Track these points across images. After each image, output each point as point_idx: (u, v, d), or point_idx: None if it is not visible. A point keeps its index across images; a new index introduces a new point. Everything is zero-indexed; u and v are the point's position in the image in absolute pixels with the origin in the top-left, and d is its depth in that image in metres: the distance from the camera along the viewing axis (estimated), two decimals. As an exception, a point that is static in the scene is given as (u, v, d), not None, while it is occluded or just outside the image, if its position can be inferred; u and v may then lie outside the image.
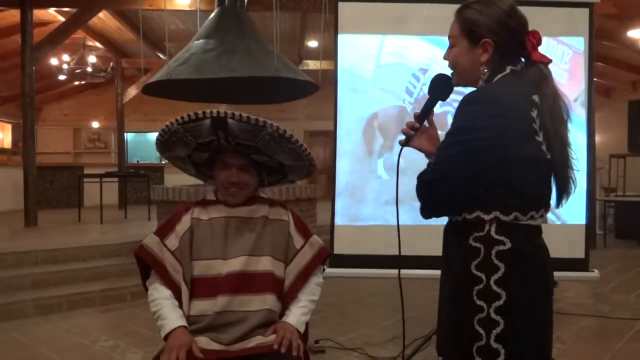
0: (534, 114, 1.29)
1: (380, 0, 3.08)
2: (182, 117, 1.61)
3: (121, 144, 10.57)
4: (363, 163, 2.91)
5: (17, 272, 4.28)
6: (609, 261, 5.98)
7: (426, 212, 1.37)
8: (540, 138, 1.29)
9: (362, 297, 4.45)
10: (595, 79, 9.02)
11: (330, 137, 9.84)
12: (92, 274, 4.50)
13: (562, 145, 1.32)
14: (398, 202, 1.52)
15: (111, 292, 4.28)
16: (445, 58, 1.45)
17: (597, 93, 9.75)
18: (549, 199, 1.35)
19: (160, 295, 1.65)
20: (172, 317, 1.60)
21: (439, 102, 1.48)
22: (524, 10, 3.09)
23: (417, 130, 1.47)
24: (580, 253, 2.97)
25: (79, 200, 8.01)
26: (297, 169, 1.80)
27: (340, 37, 3.01)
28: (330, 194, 3.58)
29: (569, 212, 3.01)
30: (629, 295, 4.39)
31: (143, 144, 13.84)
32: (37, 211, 6.85)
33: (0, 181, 9.11)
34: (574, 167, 1.36)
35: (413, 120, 1.47)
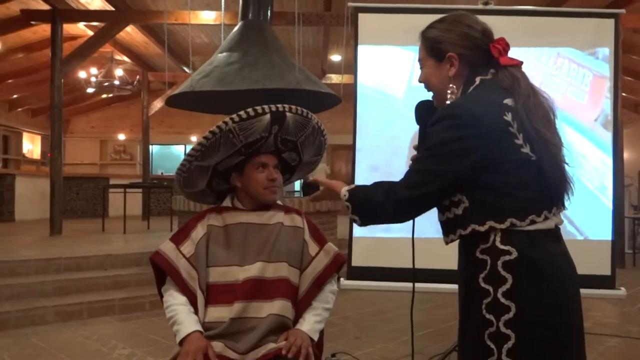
0: (509, 117, 1.26)
1: (402, 12, 3.07)
2: (239, 115, 1.62)
3: (146, 155, 10.73)
4: (387, 178, 2.90)
5: (40, 278, 4.34)
6: (638, 280, 5.79)
7: (372, 222, 1.47)
8: (520, 140, 1.26)
9: (381, 311, 4.39)
10: (623, 94, 8.88)
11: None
12: (112, 282, 4.54)
13: (545, 143, 1.27)
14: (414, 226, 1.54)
15: (131, 300, 4.31)
16: (419, 81, 1.47)
17: (625, 108, 9.56)
18: (550, 199, 1.30)
19: (175, 301, 1.65)
20: (187, 322, 1.59)
21: None
22: (549, 20, 3.06)
23: None
24: (606, 270, 2.88)
25: (103, 210, 8.14)
26: (307, 165, 1.91)
27: (361, 48, 3.01)
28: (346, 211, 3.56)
29: (595, 229, 2.93)
30: (658, 316, 4.24)
31: (167, 156, 14.05)
32: (62, 220, 6.98)
33: (28, 191, 9.32)
34: (567, 163, 1.32)
35: (415, 152, 1.47)
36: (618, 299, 4.80)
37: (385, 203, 1.34)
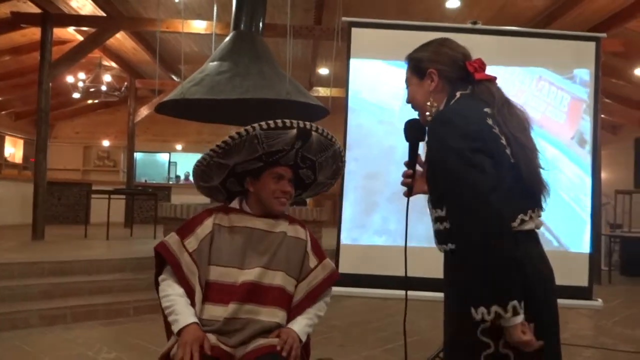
0: (490, 122, 1.39)
1: (395, 28, 3.16)
2: (268, 124, 1.69)
3: (130, 162, 10.67)
4: (385, 186, 2.98)
5: (23, 282, 4.31)
6: (614, 296, 5.94)
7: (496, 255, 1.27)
8: (504, 141, 1.38)
9: (366, 321, 4.45)
10: (602, 116, 9.13)
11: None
12: (96, 288, 4.53)
13: (521, 147, 1.39)
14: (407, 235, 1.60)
15: (115, 306, 4.30)
16: (407, 102, 1.60)
17: (604, 130, 9.82)
18: (530, 201, 1.41)
19: (173, 292, 1.69)
20: (186, 313, 1.63)
21: (421, 144, 1.59)
22: (530, 41, 3.19)
23: (413, 177, 1.60)
24: (583, 282, 2.98)
25: (86, 215, 8.07)
26: (319, 186, 1.96)
27: (353, 61, 3.09)
28: (332, 221, 3.60)
29: (572, 240, 3.04)
30: (633, 330, 4.36)
31: (152, 163, 13.98)
32: (44, 225, 6.91)
33: (9, 195, 9.21)
34: (542, 167, 1.44)
35: (405, 168, 1.60)
36: (595, 312, 4.94)
37: (487, 234, 1.26)
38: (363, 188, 3.07)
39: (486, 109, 1.40)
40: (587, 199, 3.09)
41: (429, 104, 1.51)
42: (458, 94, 1.47)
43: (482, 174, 1.29)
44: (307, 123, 1.72)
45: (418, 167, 1.61)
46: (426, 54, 1.54)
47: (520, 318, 1.25)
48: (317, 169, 1.87)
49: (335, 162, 1.88)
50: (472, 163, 1.30)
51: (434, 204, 1.46)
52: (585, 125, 3.05)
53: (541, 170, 1.43)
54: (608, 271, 7.37)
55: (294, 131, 1.70)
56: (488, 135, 1.36)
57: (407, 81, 1.59)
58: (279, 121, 1.69)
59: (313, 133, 1.73)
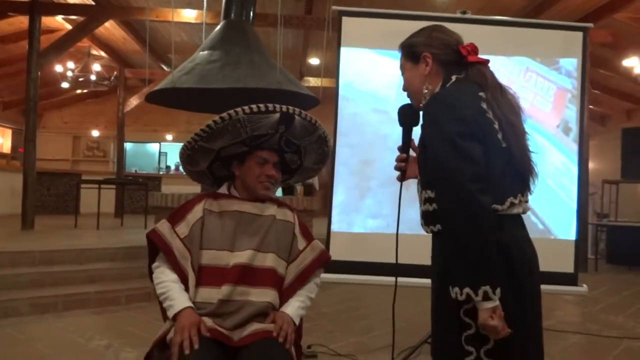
0: (485, 105, 1.41)
1: (386, 17, 3.18)
2: (250, 108, 1.70)
3: (120, 152, 10.63)
4: (379, 171, 3.01)
5: (13, 271, 4.31)
6: (599, 284, 6.04)
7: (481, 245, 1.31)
8: (497, 126, 1.41)
9: (355, 308, 4.51)
10: (590, 107, 9.22)
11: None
12: (87, 277, 4.53)
13: (514, 130, 1.43)
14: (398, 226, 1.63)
15: (106, 294, 4.31)
16: (403, 89, 1.62)
17: (592, 120, 9.92)
18: (520, 184, 1.45)
19: (167, 278, 1.71)
20: (180, 298, 1.66)
21: (414, 129, 1.63)
22: (519, 31, 3.23)
23: (406, 161, 1.63)
24: (569, 268, 3.04)
25: (76, 205, 8.04)
26: (306, 171, 1.98)
27: (343, 50, 3.11)
28: (323, 211, 3.65)
29: (558, 227, 3.09)
30: (617, 316, 4.45)
31: (142, 154, 13.93)
32: (34, 215, 6.88)
33: (-3, 185, 9.15)
34: (532, 150, 1.48)
35: (399, 153, 1.63)
36: (581, 299, 5.03)
37: (466, 218, 1.29)
38: (356, 174, 3.10)
39: (480, 93, 1.43)
40: (573, 186, 3.14)
41: (425, 88, 1.53)
42: (453, 78, 1.49)
43: (468, 161, 1.31)
44: (290, 107, 1.73)
45: (411, 152, 1.65)
46: (419, 39, 1.56)
47: (491, 304, 1.28)
48: (302, 153, 1.89)
49: (320, 146, 1.88)
50: (460, 148, 1.32)
51: (424, 185, 1.48)
52: (570, 114, 3.11)
53: (531, 155, 1.47)
54: (594, 260, 7.49)
55: (277, 115, 1.72)
56: (481, 119, 1.39)
57: (402, 68, 1.61)
58: (261, 105, 1.70)
59: (296, 117, 1.74)
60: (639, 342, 3.63)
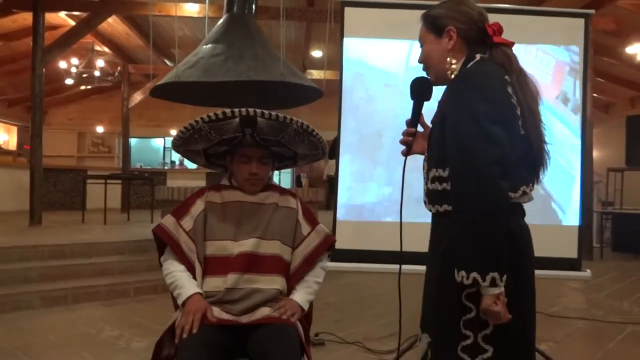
0: (510, 89, 1.38)
1: (389, 7, 3.18)
2: (209, 116, 1.70)
3: (126, 148, 10.68)
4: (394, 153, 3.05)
5: (23, 265, 4.37)
6: (605, 271, 6.06)
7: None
8: (519, 112, 1.38)
9: (361, 297, 4.55)
10: (594, 95, 9.19)
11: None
12: (96, 270, 4.59)
13: (534, 119, 1.41)
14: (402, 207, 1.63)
15: (115, 287, 4.37)
16: (419, 61, 1.56)
17: (595, 109, 9.88)
18: (532, 173, 1.45)
19: (175, 268, 1.75)
20: (188, 285, 1.70)
21: (425, 103, 1.59)
22: (521, 19, 3.23)
23: (414, 135, 1.59)
24: (573, 253, 3.06)
25: (83, 201, 8.10)
26: (309, 155, 1.94)
27: (346, 40, 3.13)
28: (326, 205, 3.65)
29: (564, 214, 3.11)
30: (622, 302, 4.48)
31: (147, 149, 13.99)
32: (42, 211, 6.94)
33: (4, 182, 9.21)
34: (547, 141, 1.45)
35: (407, 128, 1.59)
36: (586, 286, 5.06)
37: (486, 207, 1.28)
38: (362, 154, 3.13)
39: (506, 76, 1.39)
40: (573, 154, 3.15)
41: (449, 62, 1.47)
42: (478, 57, 1.44)
43: (492, 145, 1.29)
44: (251, 110, 1.68)
45: (420, 128, 1.61)
46: (444, 11, 1.49)
47: (496, 290, 1.28)
48: (287, 146, 1.84)
49: (303, 138, 1.80)
50: (486, 130, 1.30)
51: (436, 163, 1.43)
52: (568, 85, 3.13)
53: (546, 145, 1.45)
54: (600, 248, 7.50)
55: (237, 120, 1.70)
56: (507, 103, 1.36)
57: (422, 39, 1.54)
58: (219, 112, 1.68)
59: (258, 118, 1.69)
60: (643, 326, 3.67)
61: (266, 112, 1.69)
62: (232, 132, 1.75)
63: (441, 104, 1.47)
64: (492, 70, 1.40)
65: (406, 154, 1.60)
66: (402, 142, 1.60)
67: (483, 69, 1.41)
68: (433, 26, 1.50)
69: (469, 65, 1.44)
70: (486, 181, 1.27)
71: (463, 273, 1.30)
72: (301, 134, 1.78)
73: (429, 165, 1.48)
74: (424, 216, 1.63)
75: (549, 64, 3.09)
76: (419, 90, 1.57)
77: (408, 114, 1.61)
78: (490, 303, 1.29)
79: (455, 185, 1.34)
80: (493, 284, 1.27)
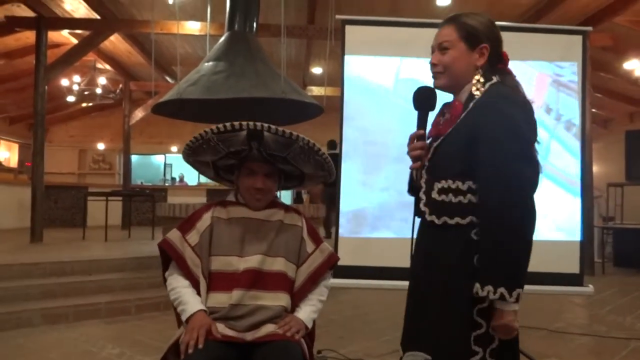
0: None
1: (389, 25, 3.23)
2: (218, 127, 1.72)
3: (127, 164, 10.71)
4: (378, 172, 3.05)
5: (24, 282, 4.36)
6: (607, 286, 6.04)
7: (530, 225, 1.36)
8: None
9: (364, 314, 4.53)
10: (593, 110, 9.24)
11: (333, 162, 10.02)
12: (97, 287, 4.57)
13: (538, 143, 1.47)
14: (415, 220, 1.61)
15: (116, 304, 4.35)
16: (434, 62, 1.54)
17: (595, 124, 9.94)
18: None
19: (179, 284, 1.75)
20: (193, 302, 1.70)
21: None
22: (518, 36, 3.28)
23: (423, 148, 1.55)
24: (575, 269, 3.06)
25: (83, 218, 8.10)
26: (315, 177, 1.95)
27: (347, 58, 3.16)
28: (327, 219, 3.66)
29: (566, 230, 3.12)
30: (625, 317, 4.45)
31: (147, 165, 14.02)
32: (43, 228, 6.94)
33: (5, 199, 9.22)
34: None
35: (415, 140, 1.55)
36: (589, 302, 5.04)
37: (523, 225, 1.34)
38: (363, 168, 3.14)
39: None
40: (559, 160, 3.18)
41: (477, 79, 1.48)
42: (494, 79, 1.48)
43: (531, 165, 1.36)
44: (258, 123, 1.69)
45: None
46: (481, 27, 1.50)
47: (518, 306, 1.32)
48: (293, 164, 1.84)
49: (308, 157, 1.80)
50: (529, 152, 1.37)
51: (451, 175, 1.44)
52: (551, 96, 3.18)
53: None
54: (601, 263, 7.48)
55: (244, 132, 1.72)
56: (535, 127, 1.46)
57: (449, 43, 1.50)
58: (227, 124, 1.70)
59: (265, 133, 1.71)
60: (647, 342, 3.65)
61: (273, 127, 1.70)
62: (239, 144, 1.76)
63: (455, 117, 1.48)
64: (524, 97, 1.48)
65: (420, 167, 1.55)
66: (414, 155, 1.54)
67: (513, 91, 1.47)
68: (468, 37, 1.50)
69: (489, 85, 1.47)
70: (523, 201, 1.33)
71: (490, 288, 1.31)
72: (307, 152, 1.78)
73: (433, 176, 1.49)
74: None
75: (531, 76, 3.15)
76: (425, 100, 1.56)
77: (410, 129, 1.59)
78: (512, 319, 1.33)
79: (489, 201, 1.35)
80: (517, 299, 1.31)
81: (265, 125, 1.70)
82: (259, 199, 1.84)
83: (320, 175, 1.93)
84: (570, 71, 3.20)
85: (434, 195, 1.47)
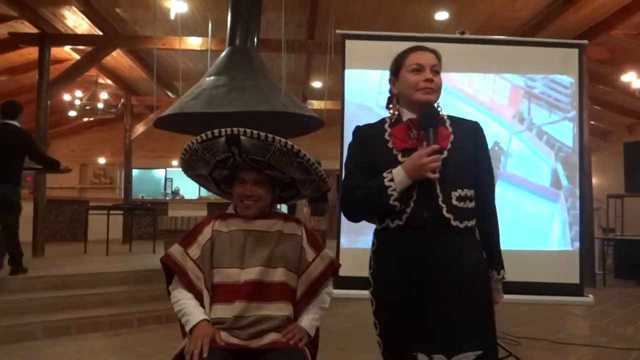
0: None
1: (388, 39, 3.29)
2: (201, 136, 1.77)
3: (128, 179, 10.74)
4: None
5: (26, 296, 4.38)
6: (608, 298, 6.04)
7: None
8: None
9: (365, 326, 4.50)
10: (592, 122, 9.31)
11: (333, 175, 10.06)
12: (99, 300, 4.59)
13: None
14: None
15: (119, 317, 4.36)
16: (431, 79, 1.68)
17: (593, 136, 10.00)
18: None
19: (183, 296, 1.78)
20: (196, 312, 1.73)
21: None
22: (514, 50, 3.35)
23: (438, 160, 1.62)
24: (575, 279, 3.08)
25: (85, 232, 8.11)
26: (309, 183, 1.92)
27: (347, 72, 3.22)
28: (330, 233, 3.70)
29: (565, 240, 3.15)
30: (626, 328, 4.46)
31: (148, 179, 14.05)
32: (44, 242, 6.96)
33: (7, 214, 9.22)
34: None
35: (432, 155, 1.57)
36: (590, 313, 5.04)
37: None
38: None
39: None
40: (529, 167, 3.25)
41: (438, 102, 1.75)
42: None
43: None
44: (235, 129, 1.72)
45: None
46: None
47: None
48: (279, 167, 1.83)
49: (291, 159, 1.78)
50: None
51: (466, 184, 1.65)
52: (524, 107, 3.28)
53: None
54: (602, 275, 7.48)
55: (223, 139, 1.75)
56: None
57: (439, 70, 1.72)
58: (208, 132, 1.75)
59: (241, 137, 1.73)
60: (648, 352, 3.65)
61: (248, 130, 1.72)
62: (221, 152, 1.79)
63: (447, 134, 1.69)
64: None
65: (437, 177, 1.58)
66: (434, 167, 1.57)
67: None
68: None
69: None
70: None
71: (503, 271, 1.71)
72: (286, 154, 1.76)
73: (453, 185, 1.62)
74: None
75: (504, 87, 3.25)
76: (434, 116, 1.66)
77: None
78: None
79: (492, 203, 1.75)
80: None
81: (242, 129, 1.72)
82: (248, 206, 1.86)
83: (312, 180, 1.89)
84: (542, 84, 3.26)
85: (454, 202, 1.62)
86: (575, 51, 3.30)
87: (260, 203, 1.88)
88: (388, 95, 1.84)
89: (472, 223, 1.66)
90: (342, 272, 3.02)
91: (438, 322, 1.57)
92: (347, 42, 3.22)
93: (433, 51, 1.74)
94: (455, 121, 1.74)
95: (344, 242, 3.12)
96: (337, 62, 3.48)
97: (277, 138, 1.73)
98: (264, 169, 1.85)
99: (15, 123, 5.00)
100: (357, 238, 3.12)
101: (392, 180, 1.59)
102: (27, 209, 7.19)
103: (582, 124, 3.35)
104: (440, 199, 1.60)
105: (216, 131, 1.74)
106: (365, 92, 3.20)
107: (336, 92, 3.42)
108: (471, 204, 1.65)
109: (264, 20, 6.04)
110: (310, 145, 12.37)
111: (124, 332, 4.23)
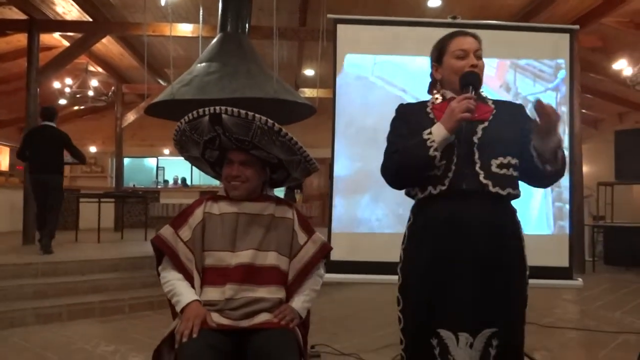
0: None
1: (380, 24, 3.27)
2: (188, 116, 1.79)
3: (119, 167, 10.68)
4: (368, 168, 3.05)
5: (17, 282, 4.36)
6: (598, 283, 6.11)
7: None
8: None
9: (357, 311, 4.56)
10: (583, 111, 9.35)
11: (325, 164, 10.05)
12: (91, 287, 4.58)
13: None
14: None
15: (110, 303, 4.36)
16: (476, 64, 1.69)
17: (585, 124, 10.04)
18: None
19: (173, 277, 1.78)
20: (187, 293, 1.73)
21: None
22: (506, 35, 3.35)
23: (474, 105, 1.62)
24: (564, 262, 3.11)
25: (76, 220, 8.07)
26: (296, 164, 1.90)
27: (339, 56, 3.20)
28: (321, 222, 3.72)
29: (554, 224, 3.17)
30: (614, 312, 4.52)
31: (139, 168, 13.98)
32: (34, 230, 6.91)
33: (-3, 203, 9.17)
34: None
35: (470, 100, 1.57)
36: (579, 297, 5.10)
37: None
38: (356, 165, 3.17)
39: None
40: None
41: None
42: None
43: None
44: (217, 107, 1.74)
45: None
46: None
47: None
48: (262, 147, 1.82)
49: (273, 139, 1.77)
50: None
51: (511, 153, 1.64)
52: (510, 77, 3.26)
53: None
54: (592, 261, 7.56)
55: (207, 118, 1.76)
56: None
57: (481, 54, 1.72)
58: (194, 112, 1.77)
59: (223, 115, 1.73)
60: (635, 335, 3.70)
61: (229, 108, 1.73)
62: (207, 132, 1.80)
63: (506, 111, 1.72)
64: None
65: (469, 118, 1.57)
66: (464, 107, 1.55)
67: None
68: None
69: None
70: None
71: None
72: (267, 132, 1.75)
73: (492, 153, 1.62)
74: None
75: (492, 62, 3.24)
76: (476, 78, 1.66)
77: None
78: None
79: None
80: None
81: (223, 108, 1.73)
82: (236, 187, 1.86)
83: (299, 161, 1.88)
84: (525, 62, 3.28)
85: (495, 169, 1.61)
86: (567, 36, 3.30)
87: (248, 184, 1.87)
88: (430, 80, 1.83)
89: (516, 191, 1.64)
90: (334, 256, 3.04)
91: (463, 300, 1.55)
92: (339, 26, 3.20)
93: (474, 35, 1.74)
94: (499, 102, 1.77)
95: (335, 226, 3.12)
96: (329, 49, 3.45)
97: (258, 116, 1.73)
98: (249, 149, 1.84)
99: (53, 124, 6.09)
100: (348, 223, 3.13)
101: (430, 133, 1.60)
102: (17, 197, 7.15)
103: (572, 110, 3.35)
104: (478, 165, 1.60)
105: (200, 110, 1.76)
106: (359, 76, 3.19)
107: (328, 80, 3.40)
108: (515, 172, 1.64)
109: (255, 6, 5.99)
110: (301, 134, 12.37)
111: (116, 318, 4.23)
